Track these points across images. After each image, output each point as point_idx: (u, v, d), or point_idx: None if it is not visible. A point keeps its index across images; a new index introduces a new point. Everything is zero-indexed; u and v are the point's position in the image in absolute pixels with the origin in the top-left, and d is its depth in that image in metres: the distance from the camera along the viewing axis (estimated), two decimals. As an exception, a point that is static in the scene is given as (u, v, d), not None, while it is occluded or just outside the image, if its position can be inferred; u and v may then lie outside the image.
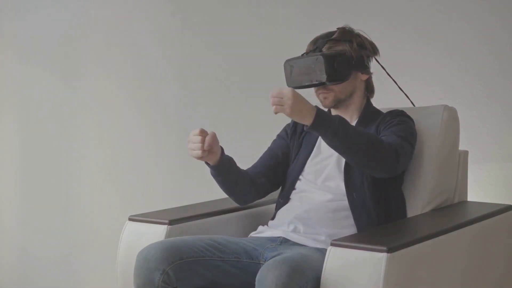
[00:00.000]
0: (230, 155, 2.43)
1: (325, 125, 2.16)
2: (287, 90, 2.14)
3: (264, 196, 2.53)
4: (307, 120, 2.15)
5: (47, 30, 3.90)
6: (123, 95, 3.74)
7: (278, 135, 2.59)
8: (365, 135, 2.21)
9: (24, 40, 3.97)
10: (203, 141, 2.28)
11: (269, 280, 1.98)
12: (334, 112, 2.49)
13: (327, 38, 2.42)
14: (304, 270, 2.02)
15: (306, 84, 2.39)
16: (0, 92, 4.07)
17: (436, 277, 2.14)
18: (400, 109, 2.47)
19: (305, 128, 2.19)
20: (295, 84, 2.41)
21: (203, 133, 2.29)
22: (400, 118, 2.39)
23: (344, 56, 2.37)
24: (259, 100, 3.36)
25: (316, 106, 2.18)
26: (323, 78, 2.34)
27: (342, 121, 2.18)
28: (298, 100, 2.14)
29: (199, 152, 2.29)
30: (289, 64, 2.41)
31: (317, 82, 2.37)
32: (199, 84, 3.56)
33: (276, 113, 2.16)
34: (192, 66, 3.56)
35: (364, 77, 2.45)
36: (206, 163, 2.37)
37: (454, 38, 2.97)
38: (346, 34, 2.43)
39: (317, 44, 2.42)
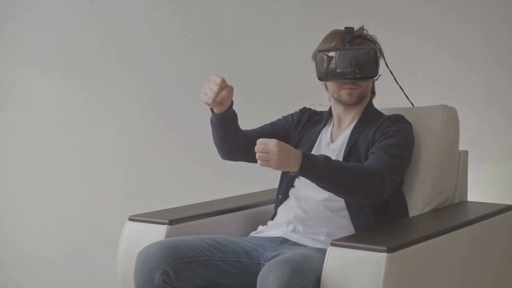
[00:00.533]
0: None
1: (311, 170, 2.14)
2: (272, 145, 2.10)
3: (248, 161, 2.49)
4: (293, 169, 2.14)
5: (47, 30, 3.90)
6: (123, 95, 3.74)
7: (284, 117, 2.57)
8: (351, 171, 2.18)
9: (24, 40, 3.97)
10: (219, 92, 2.27)
11: (271, 280, 1.98)
12: (338, 109, 2.46)
13: (350, 34, 2.37)
14: (306, 271, 2.02)
15: (349, 77, 2.32)
16: (0, 92, 4.07)
17: (436, 277, 2.14)
18: (399, 113, 2.44)
19: (291, 173, 2.18)
20: (330, 76, 2.34)
21: (223, 84, 2.26)
22: (397, 126, 2.35)
23: (377, 54, 2.33)
24: (259, 100, 3.36)
25: (301, 153, 2.14)
26: (373, 72, 2.30)
27: (327, 163, 2.15)
28: (284, 154, 2.10)
29: (209, 99, 2.28)
30: (327, 55, 2.34)
31: (362, 76, 2.31)
32: (199, 84, 3.54)
33: (261, 166, 2.13)
34: (192, 66, 3.56)
35: (378, 77, 2.44)
36: (211, 109, 2.36)
37: (454, 38, 2.97)
38: (364, 33, 2.42)
39: (348, 38, 2.36)
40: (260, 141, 2.12)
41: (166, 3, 3.62)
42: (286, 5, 3.32)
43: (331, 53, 2.33)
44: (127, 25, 3.71)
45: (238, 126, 2.42)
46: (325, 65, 2.34)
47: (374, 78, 2.37)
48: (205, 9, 3.52)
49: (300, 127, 2.52)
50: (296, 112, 2.57)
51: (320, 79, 2.37)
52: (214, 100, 2.27)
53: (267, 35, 3.37)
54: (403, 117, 2.41)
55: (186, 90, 3.58)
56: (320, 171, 2.14)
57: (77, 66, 3.84)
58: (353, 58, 2.31)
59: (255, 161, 2.43)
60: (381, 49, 2.45)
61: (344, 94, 2.39)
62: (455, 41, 2.97)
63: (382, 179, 2.20)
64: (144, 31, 3.67)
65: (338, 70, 2.32)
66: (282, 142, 2.11)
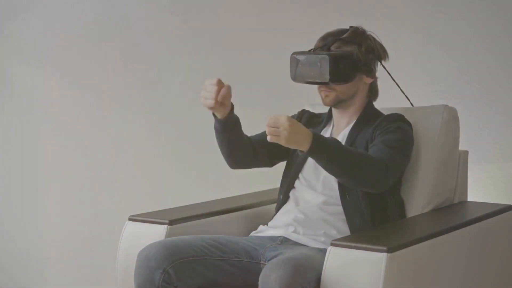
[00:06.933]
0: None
1: (320, 151, 2.15)
2: (283, 120, 2.11)
3: (258, 166, 2.51)
4: (303, 147, 2.14)
5: (47, 30, 3.90)
6: (123, 95, 3.74)
7: None
8: (357, 157, 2.20)
9: (24, 40, 3.97)
10: (218, 92, 2.27)
11: (273, 280, 1.98)
12: (334, 111, 2.48)
13: (337, 36, 2.40)
14: (307, 271, 2.03)
15: (309, 80, 2.38)
16: (0, 92, 4.07)
17: (436, 277, 2.14)
18: (399, 112, 2.44)
19: (299, 153, 2.19)
20: (298, 79, 2.40)
21: (219, 83, 2.26)
22: (396, 124, 2.36)
23: (350, 58, 2.35)
24: (260, 100, 3.36)
25: (312, 132, 2.16)
26: (326, 78, 2.33)
27: (337, 146, 2.18)
28: (294, 130, 2.12)
29: (212, 102, 2.27)
30: (296, 58, 2.39)
31: (319, 81, 2.36)
32: (199, 84, 3.54)
33: (271, 141, 2.14)
34: (192, 66, 3.56)
35: (369, 80, 2.43)
36: (214, 116, 2.35)
37: (454, 38, 2.97)
38: (357, 36, 2.40)
39: (326, 41, 2.40)
40: (271, 116, 2.13)
41: (166, 3, 3.62)
42: (287, 4, 3.32)
43: (299, 56, 2.38)
44: (128, 25, 3.71)
45: (242, 131, 2.42)
46: (294, 67, 2.40)
47: (342, 83, 2.37)
48: (206, 9, 3.52)
49: None
50: (295, 114, 2.57)
51: (293, 80, 2.42)
52: (216, 101, 2.27)
53: (267, 35, 3.37)
54: (402, 116, 2.41)
55: (186, 90, 3.58)
56: (329, 154, 2.15)
57: (77, 66, 3.84)
58: (309, 62, 2.35)
59: (265, 165, 2.46)
60: (374, 54, 2.41)
61: (322, 95, 2.43)
62: (455, 41, 2.97)
63: (385, 169, 2.22)
64: (144, 31, 3.67)
65: (304, 74, 2.37)
66: (293, 119, 2.13)
